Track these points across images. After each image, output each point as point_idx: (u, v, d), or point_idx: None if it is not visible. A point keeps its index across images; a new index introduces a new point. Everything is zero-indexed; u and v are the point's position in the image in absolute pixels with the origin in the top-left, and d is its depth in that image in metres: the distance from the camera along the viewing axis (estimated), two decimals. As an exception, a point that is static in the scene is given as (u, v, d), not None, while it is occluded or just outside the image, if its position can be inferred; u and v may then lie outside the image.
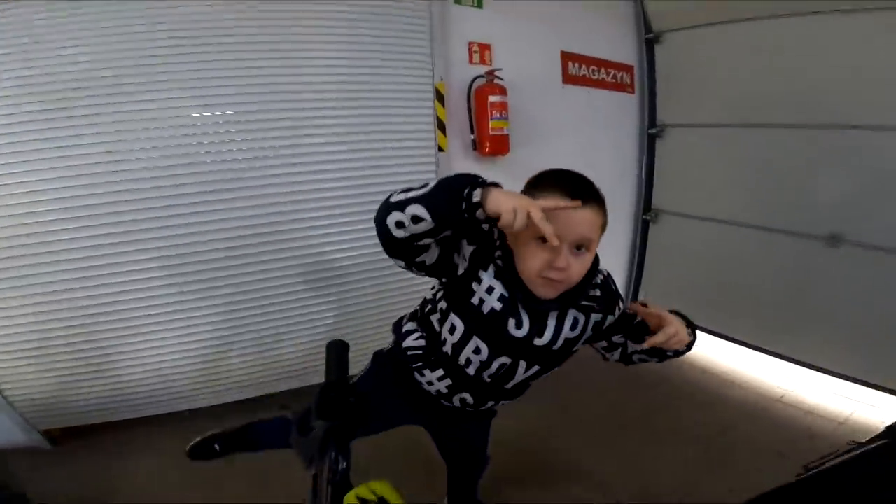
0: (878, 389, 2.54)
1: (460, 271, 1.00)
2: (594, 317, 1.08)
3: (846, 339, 2.67)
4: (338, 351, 1.03)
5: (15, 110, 1.85)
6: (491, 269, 0.99)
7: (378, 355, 1.31)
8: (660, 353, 1.09)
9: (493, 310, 0.99)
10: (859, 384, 2.62)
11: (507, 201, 0.78)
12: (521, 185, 0.97)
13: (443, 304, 1.07)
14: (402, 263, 0.96)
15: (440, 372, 1.11)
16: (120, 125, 1.98)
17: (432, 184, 0.85)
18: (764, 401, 2.78)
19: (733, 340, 3.15)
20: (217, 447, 1.71)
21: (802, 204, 2.73)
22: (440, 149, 2.64)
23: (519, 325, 1.01)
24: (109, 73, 1.93)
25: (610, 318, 1.10)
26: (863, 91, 2.41)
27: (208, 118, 2.13)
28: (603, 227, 0.96)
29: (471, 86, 2.70)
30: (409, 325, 1.17)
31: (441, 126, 2.64)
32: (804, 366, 2.86)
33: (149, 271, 2.15)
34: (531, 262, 0.93)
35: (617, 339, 1.15)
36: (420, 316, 1.17)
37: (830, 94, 2.52)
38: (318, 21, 2.24)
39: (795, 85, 2.66)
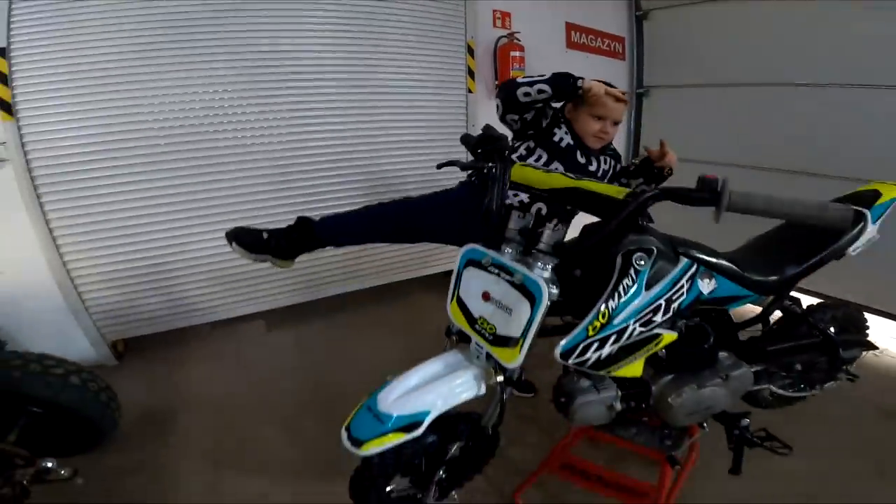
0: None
1: (544, 125, 1.70)
2: (612, 161, 1.81)
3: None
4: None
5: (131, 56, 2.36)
6: (564, 125, 1.70)
7: (465, 184, 1.85)
8: (653, 178, 1.76)
9: (568, 144, 1.68)
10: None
11: (596, 83, 1.57)
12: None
13: (530, 143, 1.70)
14: (515, 117, 1.67)
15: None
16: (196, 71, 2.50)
17: (548, 75, 1.56)
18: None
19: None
20: (265, 236, 1.71)
21: (765, 144, 3.36)
22: (469, 91, 3.25)
23: (581, 156, 1.69)
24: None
25: (618, 166, 1.83)
26: (806, 56, 3.08)
27: (287, 60, 2.71)
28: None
29: (496, 44, 3.32)
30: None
31: (471, 73, 3.25)
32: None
33: (211, 191, 2.65)
34: (589, 127, 1.67)
35: (623, 180, 1.81)
36: None
37: (782, 59, 3.20)
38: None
39: (756, 53, 3.33)
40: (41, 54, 2.19)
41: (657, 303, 1.10)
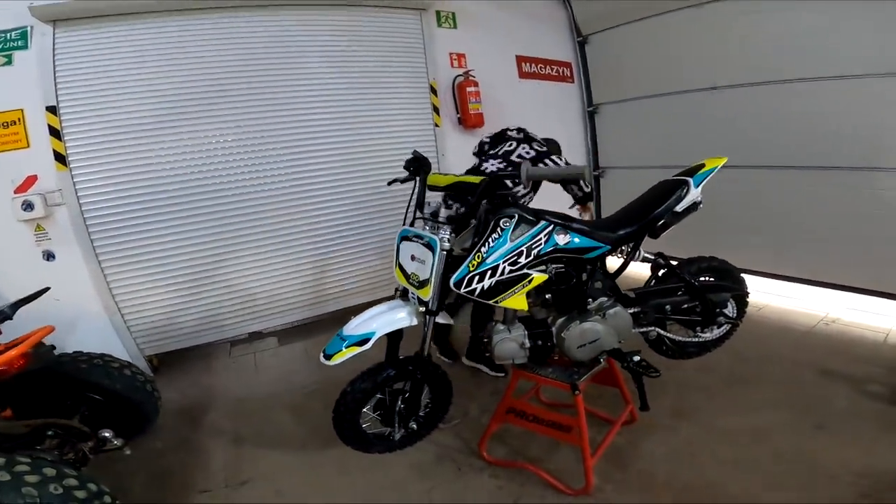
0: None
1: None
2: None
3: (747, 239, 3.62)
4: None
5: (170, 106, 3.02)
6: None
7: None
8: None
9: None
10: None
11: None
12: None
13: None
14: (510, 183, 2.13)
15: None
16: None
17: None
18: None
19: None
20: None
21: (693, 146, 3.78)
22: (436, 125, 3.82)
23: None
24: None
25: None
26: (717, 62, 3.56)
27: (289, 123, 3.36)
28: None
29: (454, 82, 3.91)
30: None
31: (436, 110, 3.84)
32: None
33: (235, 226, 3.23)
34: None
35: None
36: None
37: (697, 66, 3.68)
38: (356, 42, 3.54)
39: (678, 63, 3.83)
40: (85, 112, 2.83)
41: (520, 249, 1.59)
